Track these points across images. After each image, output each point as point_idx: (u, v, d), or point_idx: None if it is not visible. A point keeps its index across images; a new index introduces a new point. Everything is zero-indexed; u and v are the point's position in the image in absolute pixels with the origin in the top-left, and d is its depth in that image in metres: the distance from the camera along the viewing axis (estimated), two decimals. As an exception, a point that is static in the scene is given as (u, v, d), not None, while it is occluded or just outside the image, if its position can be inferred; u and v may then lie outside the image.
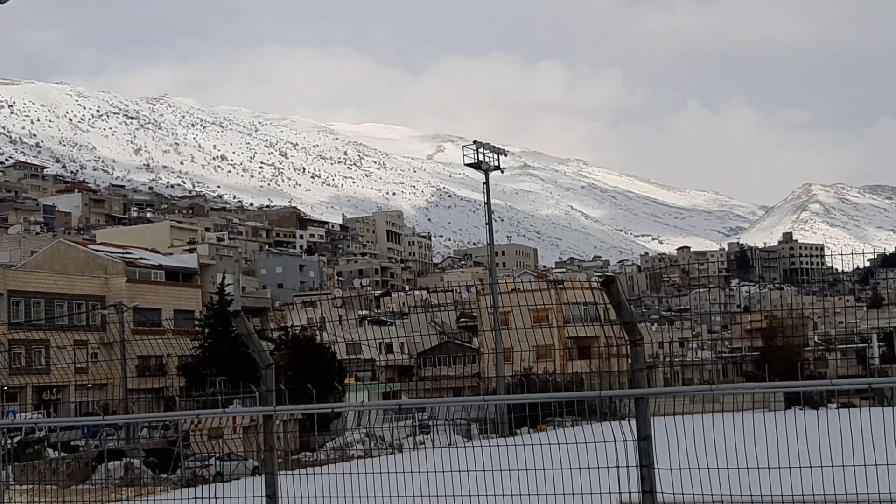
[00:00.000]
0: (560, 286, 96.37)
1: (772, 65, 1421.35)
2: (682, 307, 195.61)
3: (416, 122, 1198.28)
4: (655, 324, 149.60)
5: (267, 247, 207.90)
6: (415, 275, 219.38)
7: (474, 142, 70.78)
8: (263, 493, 8.44)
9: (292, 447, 49.58)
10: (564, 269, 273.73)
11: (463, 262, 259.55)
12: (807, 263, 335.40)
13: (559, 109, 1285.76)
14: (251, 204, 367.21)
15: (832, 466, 7.75)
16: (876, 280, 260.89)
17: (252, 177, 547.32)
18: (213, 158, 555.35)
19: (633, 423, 7.45)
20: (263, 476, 8.65)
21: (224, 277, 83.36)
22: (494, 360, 67.04)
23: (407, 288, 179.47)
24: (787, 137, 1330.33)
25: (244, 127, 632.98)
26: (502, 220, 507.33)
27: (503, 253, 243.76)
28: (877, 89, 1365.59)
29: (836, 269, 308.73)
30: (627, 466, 7.48)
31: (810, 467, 7.68)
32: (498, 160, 70.65)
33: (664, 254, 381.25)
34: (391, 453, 41.46)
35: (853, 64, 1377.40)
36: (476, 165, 69.49)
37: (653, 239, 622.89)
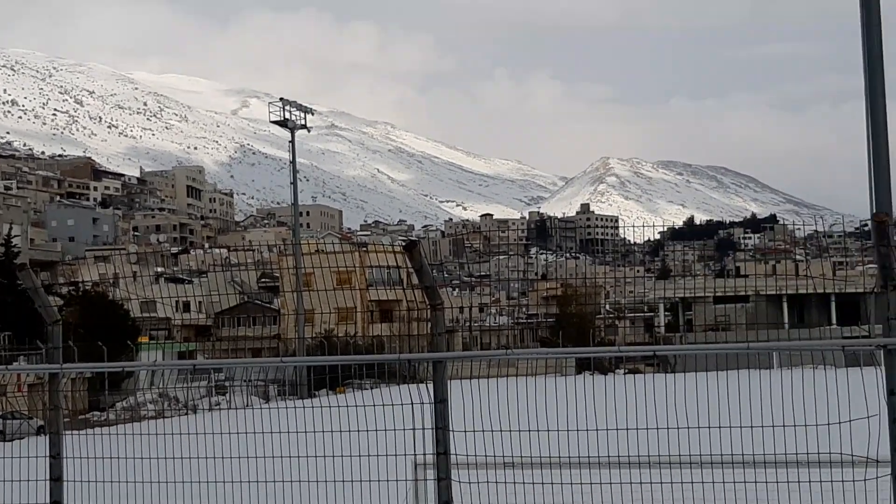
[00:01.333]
0: (364, 249, 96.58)
1: (576, 40, 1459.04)
2: (482, 273, 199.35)
3: (221, 75, 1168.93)
4: (457, 289, 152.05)
5: (58, 198, 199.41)
6: (215, 232, 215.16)
7: (281, 99, 69.80)
8: (47, 454, 8.14)
9: (80, 407, 48.06)
10: (369, 232, 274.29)
11: (266, 222, 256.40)
12: (602, 234, 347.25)
13: (369, 71, 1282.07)
14: (42, 153, 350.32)
15: (617, 430, 8.10)
16: (665, 252, 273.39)
17: (45, 124, 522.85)
18: (3, 103, 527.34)
19: (431, 386, 7.57)
20: (48, 436, 8.35)
21: (11, 229, 79.63)
22: (295, 321, 66.71)
23: (207, 246, 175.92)
24: (588, 111, 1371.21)
25: (37, 71, 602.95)
26: (307, 181, 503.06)
27: (307, 213, 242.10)
28: (671, 69, 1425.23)
29: (629, 241, 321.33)
30: (423, 429, 7.60)
31: (596, 430, 8.00)
32: (304, 119, 69.97)
33: (468, 220, 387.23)
34: (185, 414, 40.74)
35: (651, 44, 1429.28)
36: (282, 123, 68.61)
37: (457, 205, 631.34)
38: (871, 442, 7.20)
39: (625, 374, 63.64)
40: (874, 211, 6.98)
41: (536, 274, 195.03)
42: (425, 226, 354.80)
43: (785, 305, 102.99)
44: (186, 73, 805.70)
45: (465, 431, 7.99)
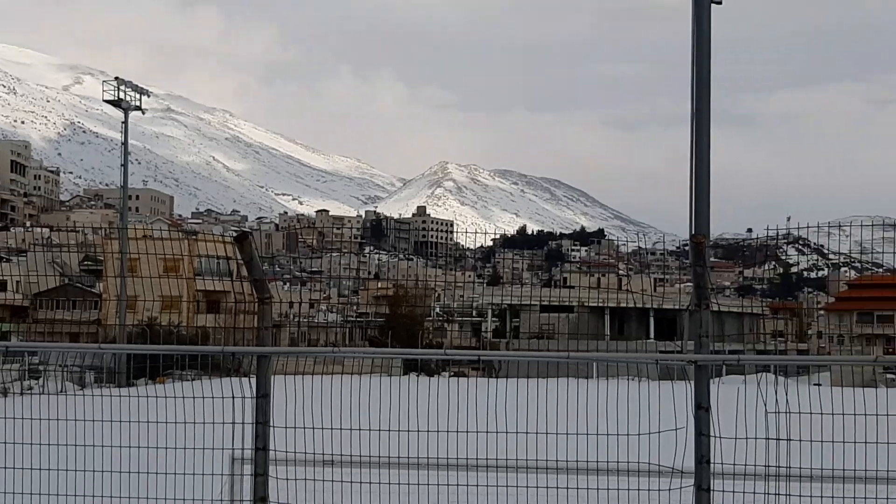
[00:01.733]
0: (194, 237, 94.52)
1: (422, 44, 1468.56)
2: (315, 269, 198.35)
3: (54, 49, 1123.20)
4: (288, 284, 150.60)
5: None
6: (38, 211, 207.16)
7: (116, 78, 67.70)
8: None
9: None
10: (200, 221, 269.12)
11: (93, 203, 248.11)
12: (437, 237, 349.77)
13: (210, 57, 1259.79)
14: None
15: (437, 432, 8.20)
16: (496, 259, 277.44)
17: None
18: None
19: (254, 380, 7.50)
20: None
21: None
22: (117, 307, 64.83)
23: (28, 224, 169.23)
24: (430, 115, 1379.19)
25: None
26: (139, 163, 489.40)
27: (137, 197, 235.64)
28: (512, 81, 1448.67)
29: (463, 246, 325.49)
30: (243, 423, 7.52)
31: (417, 431, 8.08)
32: (140, 100, 68.05)
33: (303, 215, 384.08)
34: (-6, 398, 39.03)
35: (495, 54, 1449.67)
36: (116, 103, 66.59)
37: (293, 199, 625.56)
38: (678, 453, 7.50)
39: (450, 376, 64.31)
40: (693, 232, 7.28)
41: (369, 273, 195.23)
42: (259, 218, 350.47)
43: (607, 318, 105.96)
44: (17, 44, 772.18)
45: (285, 427, 7.94)
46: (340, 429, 8.02)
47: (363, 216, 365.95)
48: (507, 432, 8.21)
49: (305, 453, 8.12)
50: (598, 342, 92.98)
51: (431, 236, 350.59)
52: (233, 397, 7.48)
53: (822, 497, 7.81)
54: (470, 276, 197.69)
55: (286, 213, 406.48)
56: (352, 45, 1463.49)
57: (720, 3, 7.40)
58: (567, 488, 8.23)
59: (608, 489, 8.13)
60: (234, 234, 7.49)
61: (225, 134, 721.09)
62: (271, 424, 7.52)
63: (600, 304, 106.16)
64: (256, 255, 7.33)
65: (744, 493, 7.75)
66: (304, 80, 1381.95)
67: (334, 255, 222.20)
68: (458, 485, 8.23)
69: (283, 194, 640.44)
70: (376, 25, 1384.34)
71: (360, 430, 8.18)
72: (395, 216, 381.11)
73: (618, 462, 8.20)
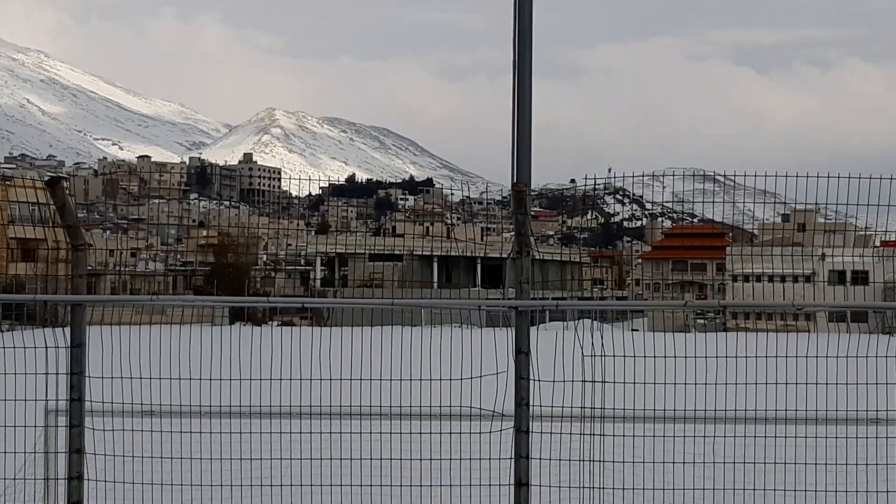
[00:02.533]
0: (7, 183, 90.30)
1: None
2: (137, 217, 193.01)
3: None
4: (108, 231, 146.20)
5: None
6: None
7: (-81, 13, 63.79)
8: None
9: None
10: (14, 166, 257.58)
11: None
12: (264, 185, 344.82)
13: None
14: None
15: (260, 380, 8.17)
16: (325, 207, 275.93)
17: None
18: None
19: (69, 330, 7.29)
20: None
21: None
22: (-77, 256, 61.54)
23: None
24: (257, 60, 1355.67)
25: None
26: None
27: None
28: (340, 27, 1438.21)
29: (291, 194, 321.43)
30: (57, 374, 7.30)
31: (239, 380, 8.02)
32: (-54, 37, 64.35)
33: (123, 160, 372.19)
34: None
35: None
36: (-81, 39, 62.78)
37: (113, 144, 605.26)
38: (499, 397, 7.68)
39: (278, 325, 63.89)
40: (514, 181, 7.40)
41: (194, 221, 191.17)
42: (77, 163, 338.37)
43: (435, 266, 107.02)
44: None
45: (102, 378, 7.76)
46: (160, 378, 7.89)
47: (187, 163, 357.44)
48: (331, 379, 8.23)
49: (122, 404, 7.96)
50: (424, 290, 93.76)
51: (258, 184, 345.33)
52: (46, 347, 7.25)
53: (633, 436, 8.15)
54: (298, 224, 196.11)
55: (105, 158, 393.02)
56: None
57: (543, -47, 7.51)
58: (391, 433, 8.34)
59: (430, 433, 8.26)
60: (46, 179, 7.22)
61: (40, 76, 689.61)
62: (87, 375, 7.32)
63: (428, 253, 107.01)
64: (70, 200, 7.09)
65: (560, 433, 8.01)
66: (123, 19, 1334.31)
67: (157, 202, 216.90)
68: (281, 433, 8.22)
69: (103, 139, 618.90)
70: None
71: (180, 379, 8.07)
72: (221, 163, 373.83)
73: (440, 406, 8.34)
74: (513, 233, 7.07)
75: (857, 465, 7.95)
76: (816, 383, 7.68)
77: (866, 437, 8.08)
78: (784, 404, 7.78)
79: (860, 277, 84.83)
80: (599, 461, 7.56)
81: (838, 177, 6.89)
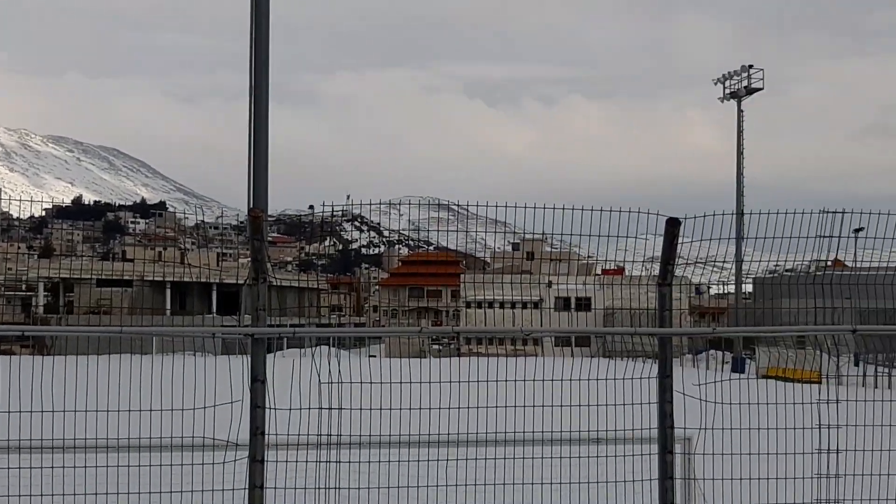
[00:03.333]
0: None
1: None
2: None
3: None
4: None
5: None
6: None
7: None
8: None
9: None
10: None
11: None
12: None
13: None
14: None
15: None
16: (49, 230, 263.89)
17: None
18: None
19: None
20: None
21: None
22: None
23: None
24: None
25: None
26: None
27: None
28: (68, 44, 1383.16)
29: (12, 215, 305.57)
30: None
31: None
32: None
33: None
34: None
35: (49, 15, 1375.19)
36: None
37: None
38: (234, 426, 7.55)
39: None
40: (251, 206, 7.35)
41: None
42: None
43: (168, 292, 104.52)
44: None
45: None
46: None
47: None
48: (53, 411, 7.86)
49: None
50: (156, 318, 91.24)
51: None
52: None
53: (369, 462, 8.22)
54: (19, 247, 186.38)
55: None
56: None
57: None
58: (118, 466, 8.02)
59: (161, 465, 8.02)
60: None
61: None
62: None
63: (160, 279, 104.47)
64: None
65: (296, 461, 7.97)
66: None
67: None
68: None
69: None
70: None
71: None
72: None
73: (171, 438, 8.11)
74: (249, 259, 7.03)
75: (580, 483, 8.34)
76: (543, 406, 8.01)
77: (588, 457, 8.50)
78: (514, 426, 8.07)
79: (583, 304, 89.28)
80: (335, 488, 7.57)
81: (563, 208, 7.25)
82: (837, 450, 6.96)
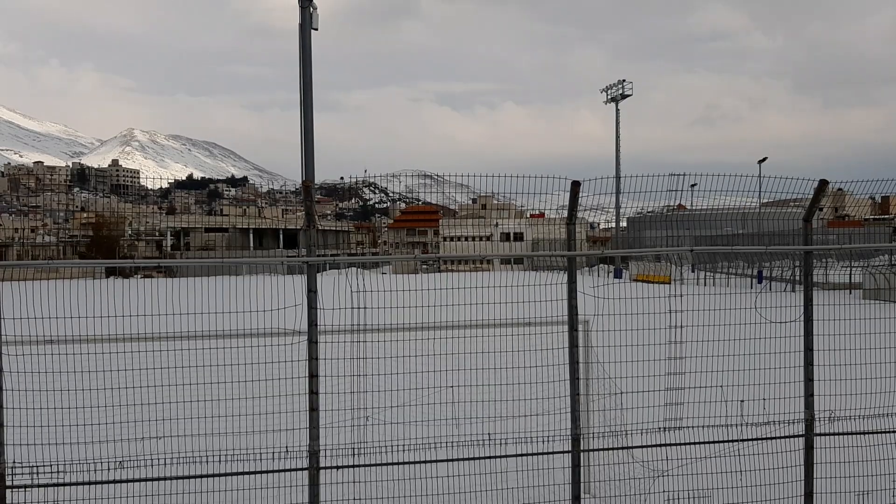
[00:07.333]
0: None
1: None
2: (35, 205, 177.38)
3: None
4: (12, 215, 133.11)
5: None
6: None
7: None
8: None
9: None
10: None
11: None
12: (127, 181, 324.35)
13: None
14: None
15: (128, 316, 7.55)
16: (172, 196, 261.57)
17: None
18: None
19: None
20: None
21: None
22: None
23: None
24: (118, 94, 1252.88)
25: None
26: None
27: None
28: (175, 72, 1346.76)
29: (147, 187, 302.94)
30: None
31: (124, 316, 7.38)
32: None
33: (23, 164, 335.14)
34: None
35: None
36: None
37: (14, 153, 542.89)
38: (297, 320, 7.45)
39: (141, 278, 59.72)
40: (303, 178, 7.19)
41: (77, 207, 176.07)
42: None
43: (251, 235, 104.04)
44: None
45: (13, 319, 6.91)
46: (58, 318, 7.14)
47: (70, 166, 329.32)
48: (181, 314, 7.71)
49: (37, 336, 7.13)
50: (244, 252, 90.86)
51: (124, 180, 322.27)
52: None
53: (383, 342, 8.14)
54: (153, 208, 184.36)
55: (9, 163, 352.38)
56: None
57: (316, 29, 7.31)
58: (227, 348, 7.91)
59: (254, 347, 7.92)
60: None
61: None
62: (1, 317, 6.51)
63: (246, 227, 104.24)
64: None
65: (337, 342, 7.88)
66: (21, 65, 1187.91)
67: (49, 193, 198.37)
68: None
69: (5, 150, 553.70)
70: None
71: (72, 317, 7.33)
72: (95, 166, 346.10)
73: (257, 328, 8.00)
74: (303, 212, 6.90)
75: (515, 351, 8.29)
76: (496, 303, 7.92)
77: (522, 335, 8.43)
78: (479, 316, 7.98)
79: (518, 237, 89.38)
80: (363, 358, 7.49)
81: (504, 175, 7.16)
82: (682, 325, 6.98)
